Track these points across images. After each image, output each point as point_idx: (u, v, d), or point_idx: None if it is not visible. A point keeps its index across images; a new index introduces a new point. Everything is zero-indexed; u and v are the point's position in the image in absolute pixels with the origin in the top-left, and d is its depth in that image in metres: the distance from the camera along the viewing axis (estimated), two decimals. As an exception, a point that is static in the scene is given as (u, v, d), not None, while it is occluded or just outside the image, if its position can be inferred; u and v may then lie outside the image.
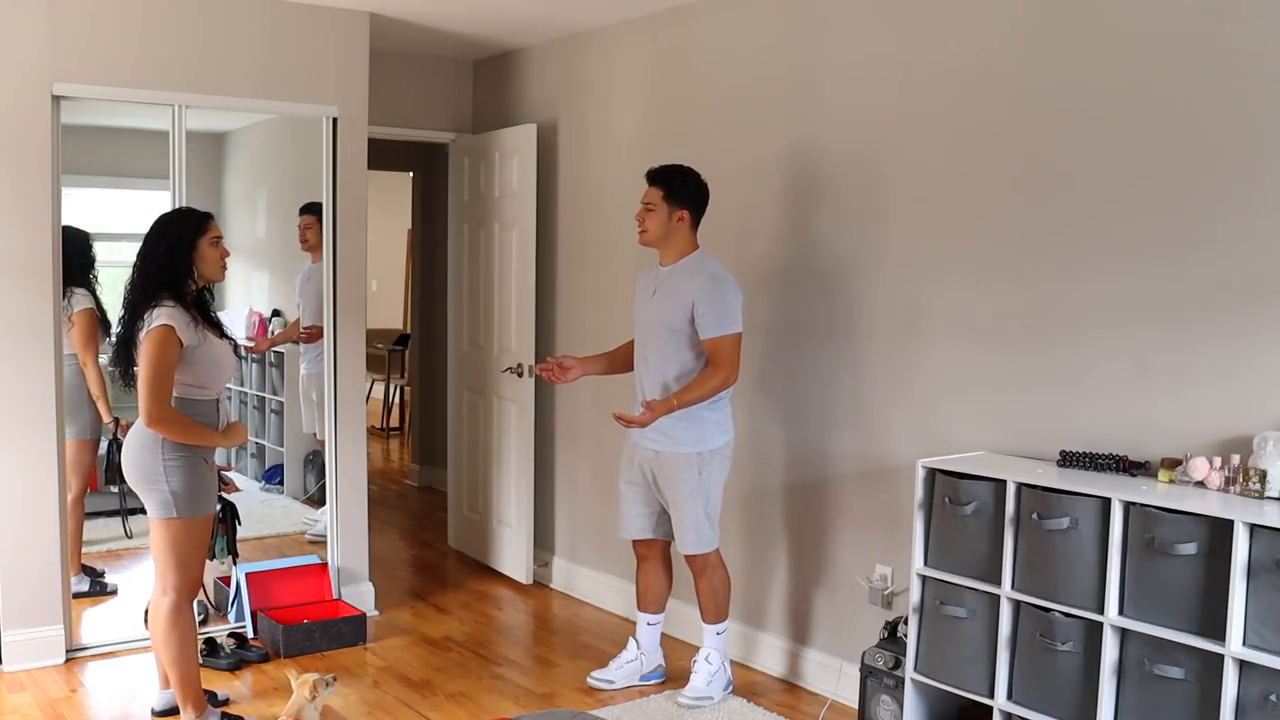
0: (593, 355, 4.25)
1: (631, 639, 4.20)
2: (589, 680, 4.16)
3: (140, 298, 3.47)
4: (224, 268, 3.64)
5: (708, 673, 3.96)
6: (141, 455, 3.46)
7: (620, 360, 4.18)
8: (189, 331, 3.45)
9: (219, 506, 3.95)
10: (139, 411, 3.43)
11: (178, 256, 3.50)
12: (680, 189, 3.87)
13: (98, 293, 4.58)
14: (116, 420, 4.55)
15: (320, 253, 4.91)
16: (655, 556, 4.11)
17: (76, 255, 4.45)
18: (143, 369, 3.41)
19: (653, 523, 4.05)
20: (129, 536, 4.81)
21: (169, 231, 3.54)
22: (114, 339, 3.58)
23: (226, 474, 3.98)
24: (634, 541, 4.12)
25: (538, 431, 5.42)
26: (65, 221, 4.28)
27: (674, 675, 4.22)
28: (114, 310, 4.49)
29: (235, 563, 4.53)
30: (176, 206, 3.69)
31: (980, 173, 3.57)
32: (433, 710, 3.96)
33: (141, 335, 3.43)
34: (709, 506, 3.88)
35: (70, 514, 4.47)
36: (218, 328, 3.62)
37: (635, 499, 4.05)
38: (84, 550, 4.71)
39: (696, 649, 4.10)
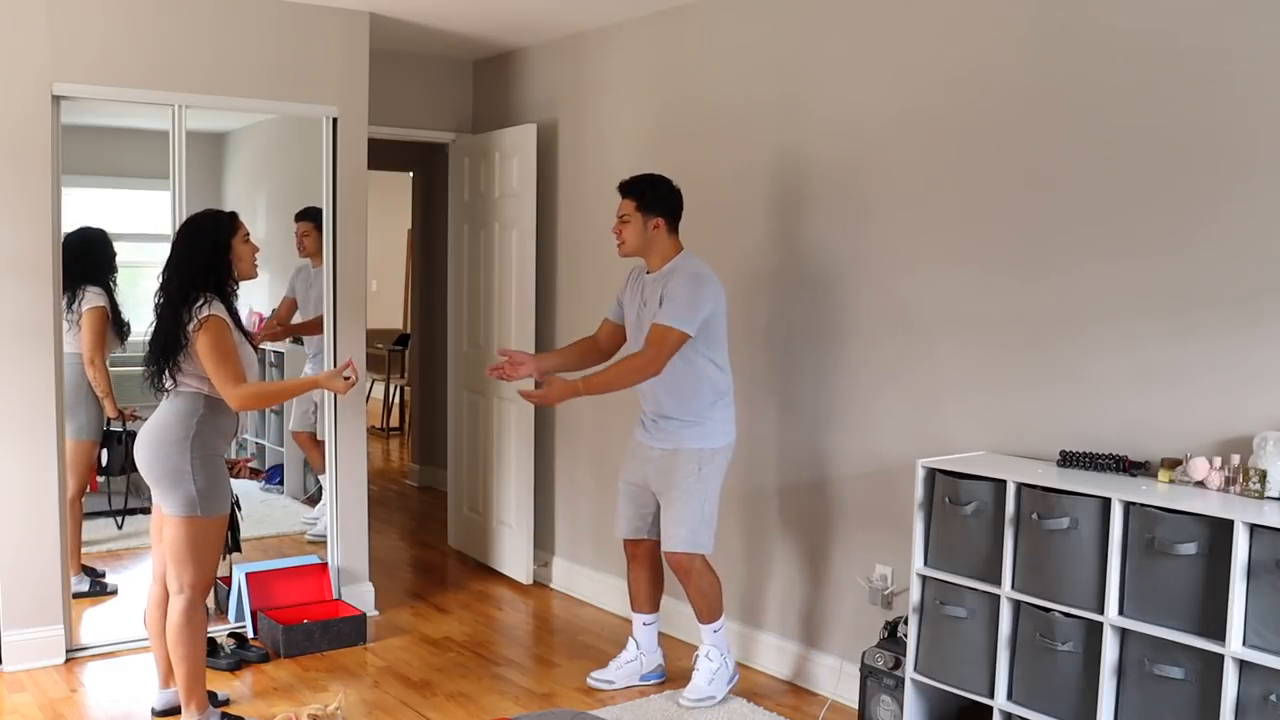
0: (549, 352, 4.23)
1: (631, 639, 4.20)
2: (589, 680, 4.16)
3: (180, 299, 3.48)
4: (256, 264, 3.68)
5: (709, 670, 3.96)
6: (167, 452, 3.47)
7: (579, 356, 4.16)
8: (233, 329, 3.51)
9: None
10: (227, 401, 3.47)
11: (218, 257, 3.54)
12: (651, 197, 3.89)
13: (114, 293, 4.59)
14: (122, 412, 4.55)
15: (320, 258, 4.91)
16: (643, 556, 4.11)
17: (98, 254, 4.52)
18: (209, 362, 3.43)
19: (646, 523, 4.05)
20: (120, 527, 4.81)
21: (205, 232, 3.57)
22: (148, 343, 3.57)
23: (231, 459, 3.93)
24: (624, 541, 4.13)
25: (538, 431, 5.42)
26: (65, 221, 4.28)
27: (675, 675, 4.21)
28: (125, 309, 4.55)
29: (228, 555, 4.44)
30: (200, 210, 3.72)
31: (981, 173, 3.57)
32: (433, 710, 3.96)
33: (191, 329, 3.44)
34: (706, 506, 3.87)
35: (68, 514, 4.48)
36: (246, 334, 3.66)
37: (630, 497, 4.06)
38: (84, 550, 4.71)
39: (696, 648, 4.09)
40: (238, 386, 3.44)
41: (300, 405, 5.18)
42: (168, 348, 3.49)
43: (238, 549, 4.41)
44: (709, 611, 3.97)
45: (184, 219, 3.74)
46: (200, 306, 3.45)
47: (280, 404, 5.26)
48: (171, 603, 3.56)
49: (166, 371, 3.51)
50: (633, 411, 4.93)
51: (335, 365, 4.85)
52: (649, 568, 4.13)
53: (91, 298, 4.51)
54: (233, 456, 3.96)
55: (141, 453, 3.52)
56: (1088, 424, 3.29)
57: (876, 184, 3.88)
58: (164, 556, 3.57)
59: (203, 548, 3.52)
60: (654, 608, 4.17)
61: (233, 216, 3.65)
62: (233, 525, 4.06)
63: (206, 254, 3.53)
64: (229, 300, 3.58)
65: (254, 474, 4.08)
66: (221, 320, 3.47)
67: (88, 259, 4.46)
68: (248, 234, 3.65)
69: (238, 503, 4.30)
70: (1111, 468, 3.14)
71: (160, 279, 3.56)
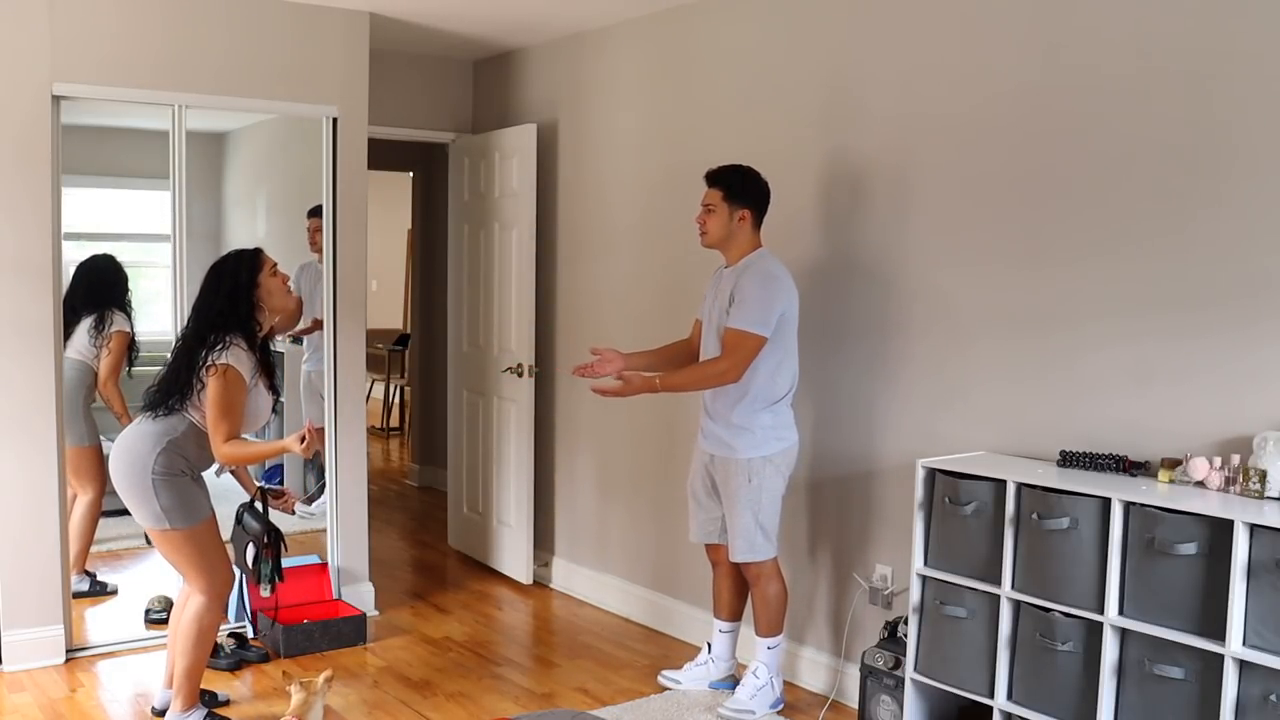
0: (639, 351, 4.07)
1: (706, 643, 4.17)
2: (659, 678, 4.15)
3: (196, 343, 3.48)
4: (290, 292, 3.67)
5: (753, 686, 3.88)
6: (130, 470, 3.48)
7: (669, 357, 4.05)
8: (247, 375, 3.49)
9: (264, 531, 3.86)
10: (213, 449, 3.47)
11: (237, 299, 3.52)
12: (740, 188, 3.79)
13: (132, 316, 4.68)
14: None
15: None
16: (723, 562, 4.02)
17: (118, 280, 4.65)
18: (212, 408, 3.44)
19: (716, 527, 3.97)
20: None
21: (225, 277, 3.56)
22: (157, 380, 3.57)
23: (278, 488, 3.96)
24: (705, 546, 4.08)
25: (538, 431, 5.42)
26: (65, 223, 4.28)
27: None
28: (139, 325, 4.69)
29: (273, 588, 4.25)
30: (227, 252, 3.69)
31: (980, 174, 3.57)
32: (433, 710, 3.96)
33: (205, 372, 3.43)
34: (760, 515, 3.78)
35: (86, 519, 4.52)
36: (270, 377, 3.64)
37: (699, 504, 4.00)
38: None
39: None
40: (227, 442, 3.42)
41: (317, 403, 5.17)
42: (175, 390, 3.49)
43: (278, 578, 4.15)
44: (767, 624, 3.89)
45: (215, 260, 3.68)
46: (219, 350, 3.44)
47: (282, 406, 5.27)
48: (191, 599, 3.62)
49: (165, 405, 3.51)
50: (632, 412, 4.94)
51: (335, 363, 4.86)
52: (730, 575, 4.03)
53: (119, 322, 4.62)
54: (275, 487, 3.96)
55: (111, 463, 3.54)
56: (1088, 424, 3.29)
57: (875, 186, 3.88)
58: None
59: (194, 555, 3.53)
60: (732, 616, 4.09)
61: (255, 254, 3.61)
62: (275, 557, 3.95)
63: (225, 299, 3.51)
64: (254, 339, 3.54)
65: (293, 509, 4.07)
66: (237, 374, 3.44)
67: (111, 285, 4.60)
68: (275, 266, 3.61)
69: (281, 538, 3.96)
70: (1111, 468, 3.14)
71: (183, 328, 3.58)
